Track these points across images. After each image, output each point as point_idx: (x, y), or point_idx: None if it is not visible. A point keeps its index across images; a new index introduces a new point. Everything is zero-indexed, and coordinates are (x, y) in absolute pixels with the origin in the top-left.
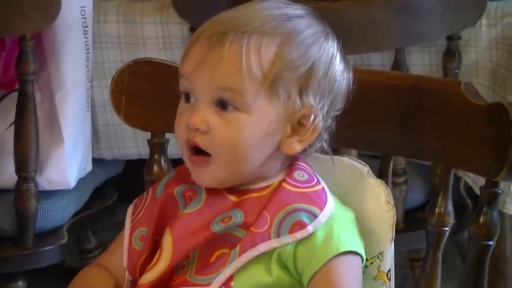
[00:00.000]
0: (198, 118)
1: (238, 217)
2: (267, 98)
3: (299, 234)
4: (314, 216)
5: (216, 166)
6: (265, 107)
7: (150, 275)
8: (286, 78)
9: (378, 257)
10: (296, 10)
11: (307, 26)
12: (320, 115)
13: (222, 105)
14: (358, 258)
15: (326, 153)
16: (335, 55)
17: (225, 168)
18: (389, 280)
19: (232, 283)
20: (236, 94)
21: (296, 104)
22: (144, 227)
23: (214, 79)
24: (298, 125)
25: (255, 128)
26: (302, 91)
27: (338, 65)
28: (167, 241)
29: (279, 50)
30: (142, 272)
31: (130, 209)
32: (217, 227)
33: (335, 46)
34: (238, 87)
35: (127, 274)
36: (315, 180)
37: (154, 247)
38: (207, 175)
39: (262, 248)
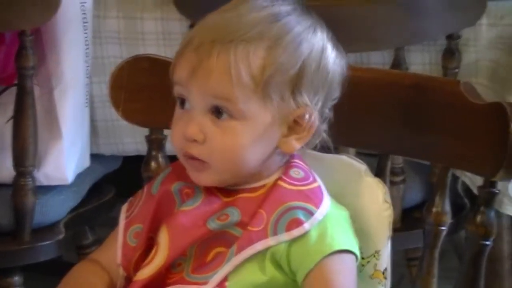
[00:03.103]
0: (194, 129)
1: (235, 215)
2: (260, 103)
3: (296, 232)
4: (310, 213)
5: (213, 171)
6: (259, 113)
7: (146, 271)
8: (278, 81)
9: (374, 256)
10: (283, 6)
11: (294, 25)
12: (316, 111)
13: (217, 112)
14: (352, 257)
15: (326, 144)
16: (325, 46)
17: (222, 173)
18: (386, 279)
19: (226, 283)
20: (229, 103)
21: (290, 105)
22: (139, 224)
23: (206, 89)
24: (294, 124)
25: (250, 133)
26: (295, 91)
27: (329, 56)
28: (164, 237)
29: (267, 54)
30: (137, 268)
31: (124, 207)
32: (213, 224)
33: (325, 36)
34: (230, 97)
35: (121, 270)
36: (311, 178)
37: (149, 244)
38: (205, 178)
39: (259, 246)
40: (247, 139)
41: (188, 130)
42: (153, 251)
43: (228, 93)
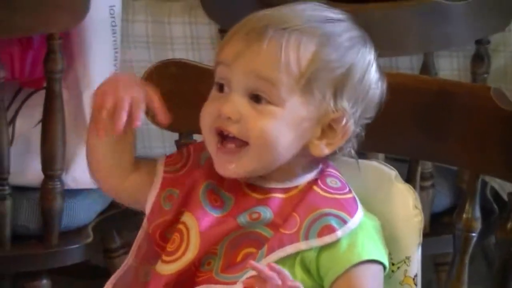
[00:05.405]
0: (231, 107)
1: (267, 214)
2: (301, 96)
3: (328, 238)
4: (343, 221)
5: (246, 157)
6: (298, 105)
7: (175, 266)
8: (322, 78)
9: (405, 262)
10: (336, 14)
11: (346, 30)
12: (352, 119)
13: (256, 98)
14: (380, 267)
15: (352, 158)
16: (371, 62)
17: (255, 159)
18: (416, 285)
19: None
20: (271, 86)
21: (330, 106)
22: (177, 189)
23: (252, 68)
24: (328, 128)
25: (285, 123)
26: (337, 93)
27: (374, 73)
28: (194, 233)
29: (317, 50)
30: (156, 230)
31: (162, 159)
32: (243, 220)
33: (372, 54)
34: (274, 79)
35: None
36: (347, 189)
37: (177, 216)
38: (233, 166)
39: (290, 249)
40: (281, 127)
41: (225, 108)
42: (183, 246)
43: (273, 77)
